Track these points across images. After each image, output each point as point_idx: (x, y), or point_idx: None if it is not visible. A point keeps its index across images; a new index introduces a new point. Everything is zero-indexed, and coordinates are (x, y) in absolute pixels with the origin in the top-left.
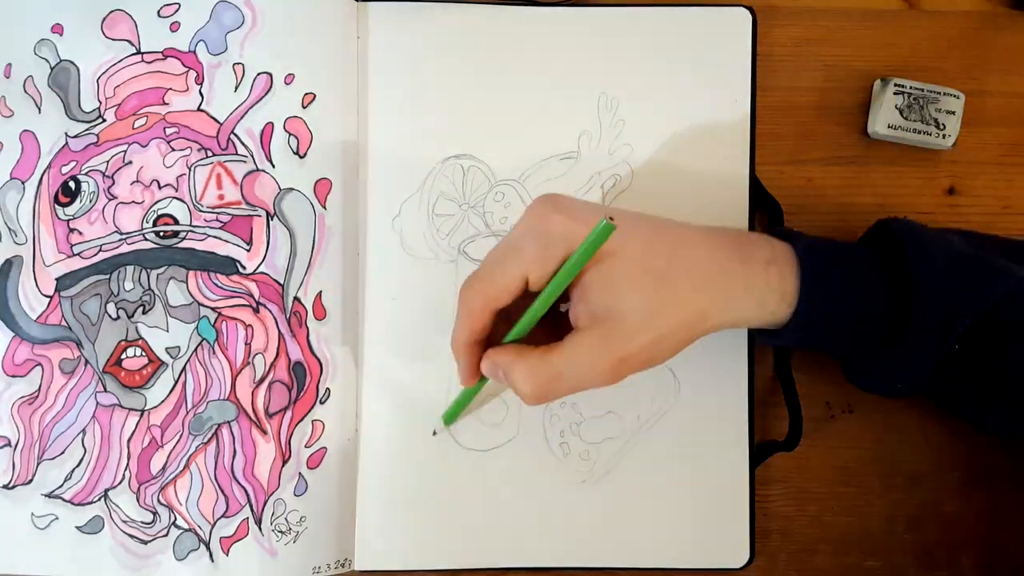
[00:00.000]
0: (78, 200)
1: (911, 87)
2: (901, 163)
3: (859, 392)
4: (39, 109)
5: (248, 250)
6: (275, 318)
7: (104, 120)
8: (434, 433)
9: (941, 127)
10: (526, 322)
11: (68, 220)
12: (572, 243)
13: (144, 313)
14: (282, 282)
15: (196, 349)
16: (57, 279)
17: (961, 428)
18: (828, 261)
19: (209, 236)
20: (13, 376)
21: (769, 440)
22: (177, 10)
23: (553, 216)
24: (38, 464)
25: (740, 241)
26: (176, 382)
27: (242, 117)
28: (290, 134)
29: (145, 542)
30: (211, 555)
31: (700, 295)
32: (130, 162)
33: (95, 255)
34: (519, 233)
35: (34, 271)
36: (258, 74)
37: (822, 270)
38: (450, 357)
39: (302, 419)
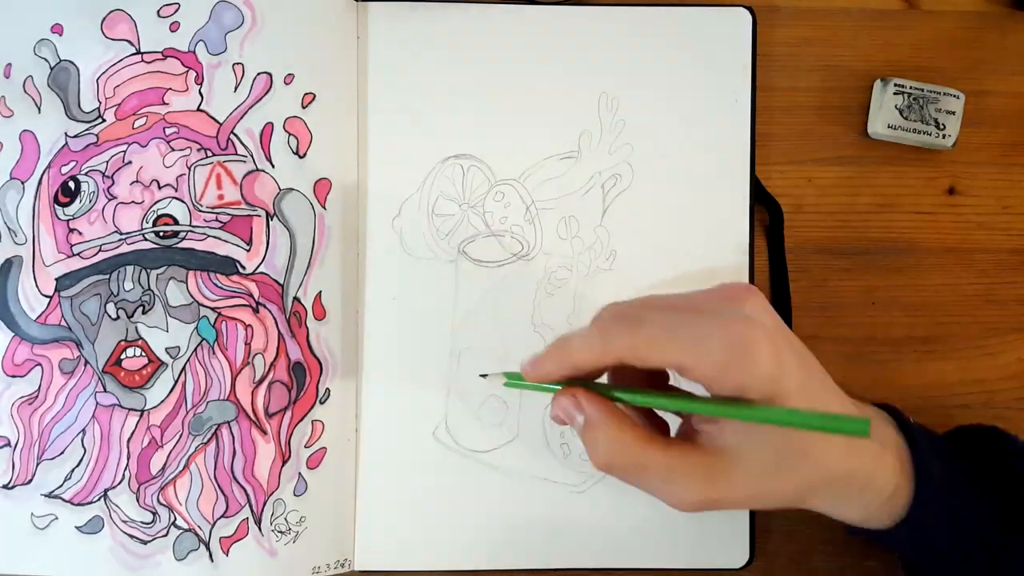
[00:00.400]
0: (78, 200)
1: (911, 87)
2: (901, 163)
3: (859, 393)
4: (39, 109)
5: (248, 250)
6: (275, 318)
7: (104, 120)
8: (483, 376)
9: (941, 127)
10: (635, 400)
11: (68, 220)
12: (765, 393)
13: (144, 313)
14: (282, 282)
15: (196, 349)
16: (57, 279)
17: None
18: (941, 467)
19: (209, 236)
20: (13, 376)
21: None
22: (177, 10)
23: (772, 351)
24: (38, 464)
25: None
26: (176, 382)
27: (242, 117)
28: (290, 134)
29: (145, 542)
30: (211, 555)
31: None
32: (130, 162)
33: (95, 255)
34: (679, 333)
35: (34, 271)
36: (258, 74)
37: (935, 473)
38: (449, 357)
39: (302, 419)
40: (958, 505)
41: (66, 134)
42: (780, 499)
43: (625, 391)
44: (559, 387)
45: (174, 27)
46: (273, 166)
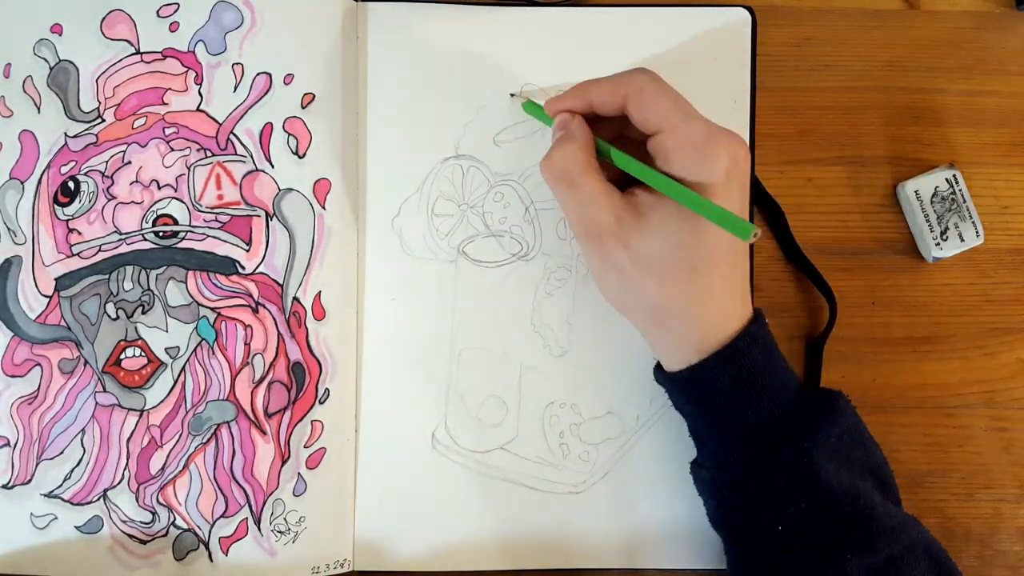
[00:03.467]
0: (77, 200)
1: (961, 190)
2: (901, 163)
3: (859, 392)
4: (38, 109)
5: (247, 250)
6: (274, 318)
7: (103, 120)
8: (512, 95)
9: (943, 238)
10: (603, 150)
11: (67, 220)
12: (687, 166)
13: (143, 313)
14: (281, 282)
15: (195, 349)
16: (56, 279)
17: (961, 428)
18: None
19: (208, 236)
20: (12, 376)
21: None
22: (176, 10)
23: (728, 144)
24: (37, 464)
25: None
26: (175, 382)
27: (241, 117)
28: (289, 134)
29: (144, 542)
30: (210, 555)
31: (712, 302)
32: (129, 162)
33: (94, 255)
34: (681, 106)
35: (33, 271)
36: (257, 74)
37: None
38: (449, 357)
39: (301, 419)
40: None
41: (66, 134)
42: (651, 277)
43: (606, 145)
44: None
45: (174, 27)
46: (273, 166)
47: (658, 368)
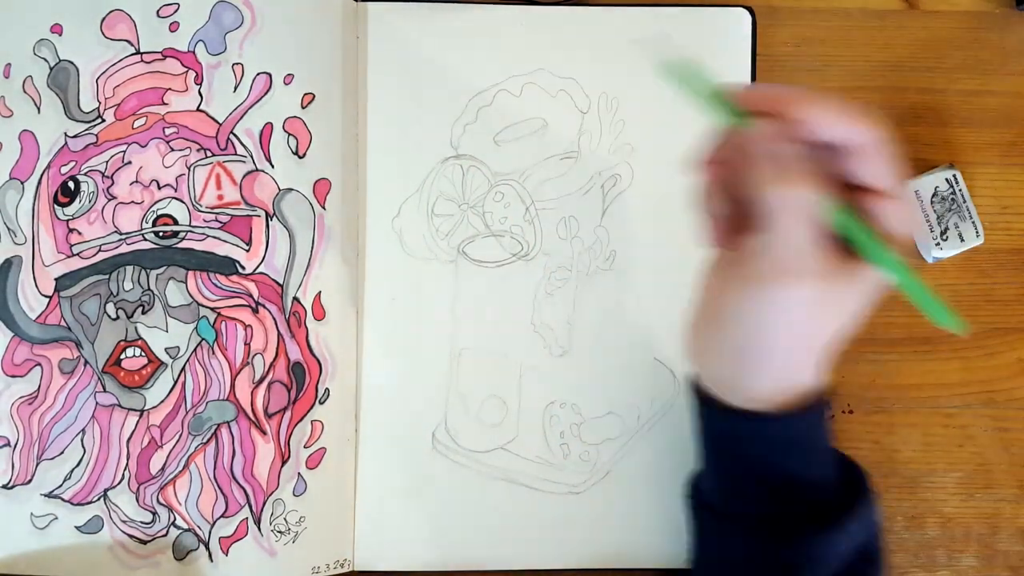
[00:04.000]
0: (77, 200)
1: (961, 190)
2: (901, 163)
3: (859, 393)
4: (38, 109)
5: (247, 250)
6: (274, 318)
7: (103, 120)
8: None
9: (942, 237)
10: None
11: (67, 220)
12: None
13: (143, 313)
14: (281, 282)
15: (195, 349)
16: (56, 279)
17: (961, 428)
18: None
19: (208, 236)
20: (13, 376)
21: None
22: (176, 10)
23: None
24: (37, 464)
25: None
26: (175, 382)
27: (241, 117)
28: (289, 134)
29: (144, 542)
30: (210, 555)
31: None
32: (129, 162)
33: (94, 255)
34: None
35: (33, 271)
36: (257, 74)
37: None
38: (449, 357)
39: (301, 419)
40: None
41: (66, 134)
42: (808, 340)
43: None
44: (738, 119)
45: (174, 27)
46: (273, 166)
47: (697, 391)
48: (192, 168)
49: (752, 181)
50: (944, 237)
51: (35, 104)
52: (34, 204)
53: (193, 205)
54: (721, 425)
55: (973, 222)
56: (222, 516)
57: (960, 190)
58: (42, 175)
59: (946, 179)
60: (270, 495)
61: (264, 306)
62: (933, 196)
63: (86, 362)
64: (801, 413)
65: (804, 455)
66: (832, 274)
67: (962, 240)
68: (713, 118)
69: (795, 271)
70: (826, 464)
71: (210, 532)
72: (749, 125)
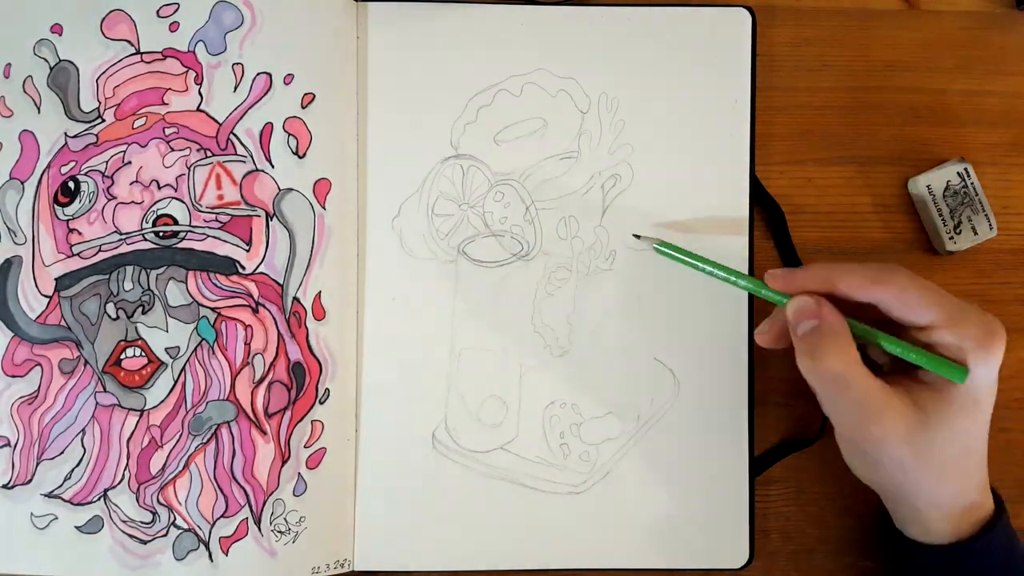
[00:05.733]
0: (77, 200)
1: (973, 183)
2: (901, 164)
3: None
4: (38, 109)
5: (247, 250)
6: (274, 318)
7: (103, 120)
8: (637, 236)
9: (956, 231)
10: (861, 333)
11: (67, 220)
12: (967, 357)
13: (143, 313)
14: (281, 282)
15: (195, 349)
16: (56, 279)
17: (983, 463)
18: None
19: (208, 236)
20: (13, 376)
21: (781, 443)
22: (176, 10)
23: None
24: (37, 464)
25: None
26: (175, 382)
27: (241, 117)
28: (289, 134)
29: (144, 542)
30: (210, 555)
31: (976, 480)
32: (129, 162)
33: (94, 255)
34: (948, 298)
35: (33, 271)
36: (257, 74)
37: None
38: (449, 357)
39: (301, 419)
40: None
41: (66, 134)
42: (932, 472)
43: (874, 331)
44: (738, 280)
45: (174, 27)
46: (273, 166)
47: (890, 529)
48: (192, 168)
49: (797, 356)
50: (958, 231)
51: (35, 104)
52: (34, 204)
53: (193, 205)
54: (903, 558)
55: (986, 215)
56: (222, 516)
57: (972, 183)
58: (42, 175)
59: (958, 173)
60: (270, 495)
61: (264, 306)
62: (945, 190)
63: (86, 362)
64: (972, 538)
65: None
66: (916, 402)
67: (975, 233)
68: (757, 294)
69: (866, 420)
70: None
71: (210, 532)
72: (785, 302)
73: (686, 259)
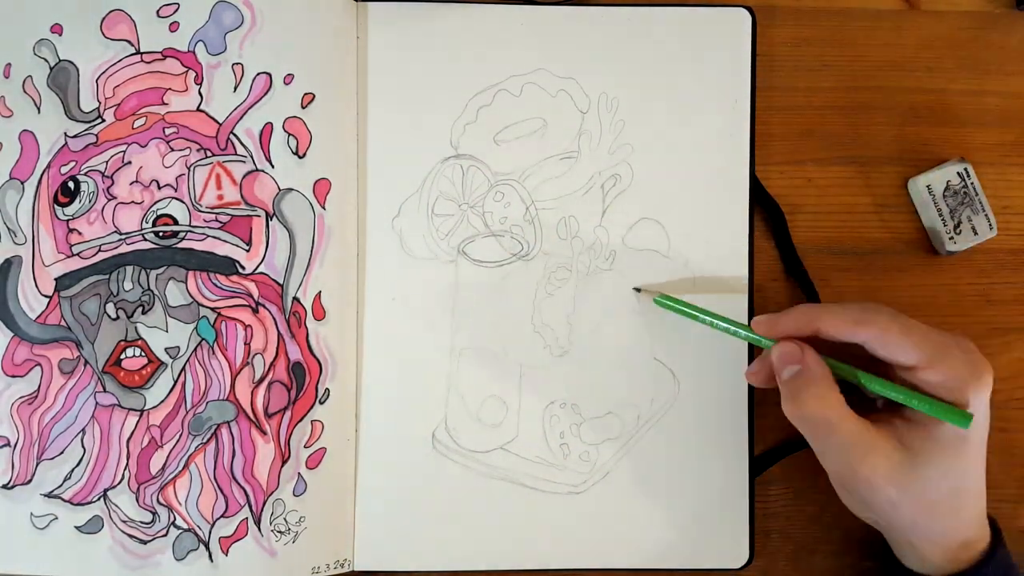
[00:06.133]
0: (77, 200)
1: (973, 183)
2: (901, 164)
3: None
4: (38, 109)
5: (247, 250)
6: (274, 318)
7: (103, 120)
8: (637, 290)
9: (956, 231)
10: (845, 375)
11: (67, 220)
12: (954, 396)
13: (143, 313)
14: (281, 282)
15: (195, 349)
16: (56, 279)
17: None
18: None
19: (208, 236)
20: (12, 376)
21: (782, 444)
22: (176, 10)
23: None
24: (37, 464)
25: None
26: (175, 382)
27: (241, 117)
28: (289, 134)
29: (144, 542)
30: (210, 555)
31: (970, 516)
32: (129, 162)
33: (94, 255)
34: (931, 338)
35: (33, 271)
36: (257, 74)
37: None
38: (449, 357)
39: (301, 419)
40: None
41: (66, 134)
42: (924, 510)
43: (854, 370)
44: (738, 330)
45: (174, 27)
46: (273, 166)
47: (890, 559)
48: (192, 168)
49: (782, 401)
50: (958, 231)
51: (35, 104)
52: (34, 204)
53: (193, 205)
54: None
55: (986, 215)
56: (222, 516)
57: (972, 183)
58: (42, 175)
59: (958, 173)
60: (270, 495)
61: (264, 306)
62: (945, 190)
63: (86, 362)
64: (966, 572)
65: None
66: (902, 442)
67: (975, 233)
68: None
69: (853, 462)
70: None
71: (210, 532)
72: (771, 345)
73: (686, 311)
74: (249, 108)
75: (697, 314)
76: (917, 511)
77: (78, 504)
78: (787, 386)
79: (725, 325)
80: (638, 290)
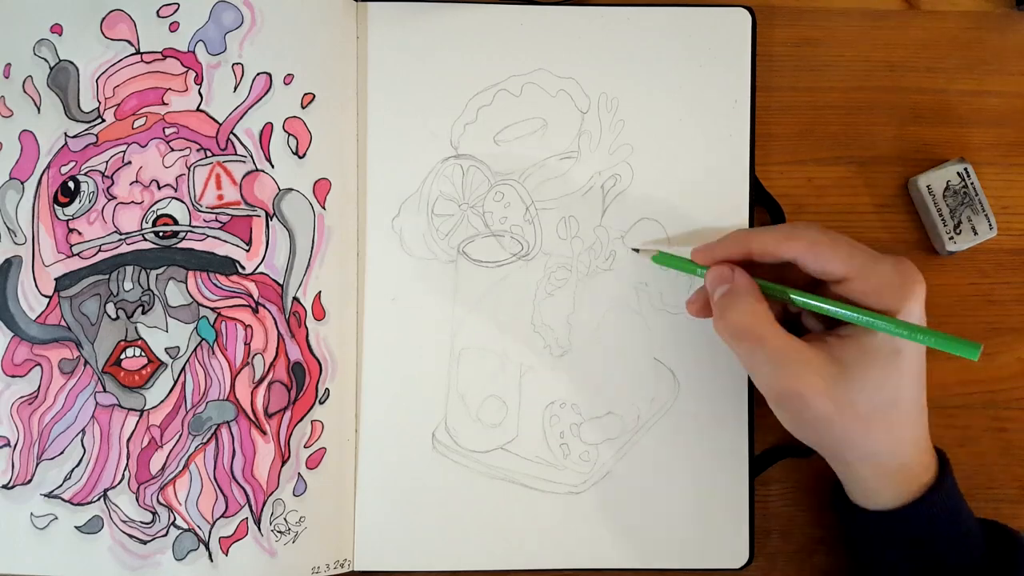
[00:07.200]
0: (77, 200)
1: (973, 183)
2: (901, 164)
3: None
4: (38, 109)
5: (247, 250)
6: (274, 318)
7: (103, 120)
8: (636, 250)
9: (956, 231)
10: (776, 292)
11: (67, 220)
12: (886, 305)
13: (143, 313)
14: (281, 282)
15: (195, 349)
16: (56, 279)
17: (961, 429)
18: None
19: (208, 236)
20: (12, 376)
21: (780, 446)
22: (176, 10)
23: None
24: (37, 464)
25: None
26: (175, 382)
27: (241, 117)
28: (289, 134)
29: (144, 542)
30: (210, 555)
31: (907, 435)
32: (129, 162)
33: (94, 255)
34: (860, 249)
35: (33, 271)
36: (257, 74)
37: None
38: (449, 357)
39: (301, 419)
40: (951, 520)
41: (66, 134)
42: (858, 425)
43: (781, 288)
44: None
45: (174, 27)
46: (273, 166)
47: (841, 498)
48: (192, 168)
49: (714, 321)
50: (958, 231)
51: (35, 104)
52: (34, 204)
53: (193, 205)
54: (853, 526)
55: (986, 215)
56: (222, 516)
57: (972, 183)
58: (42, 175)
59: (957, 173)
60: (270, 495)
61: (264, 306)
62: (945, 190)
63: (86, 362)
64: (912, 503)
65: (932, 545)
66: (833, 356)
67: (975, 233)
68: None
69: (783, 376)
70: (967, 545)
71: (210, 532)
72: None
73: (685, 266)
74: (249, 108)
75: (697, 268)
76: (851, 426)
77: (78, 504)
78: (717, 305)
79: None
80: (636, 250)
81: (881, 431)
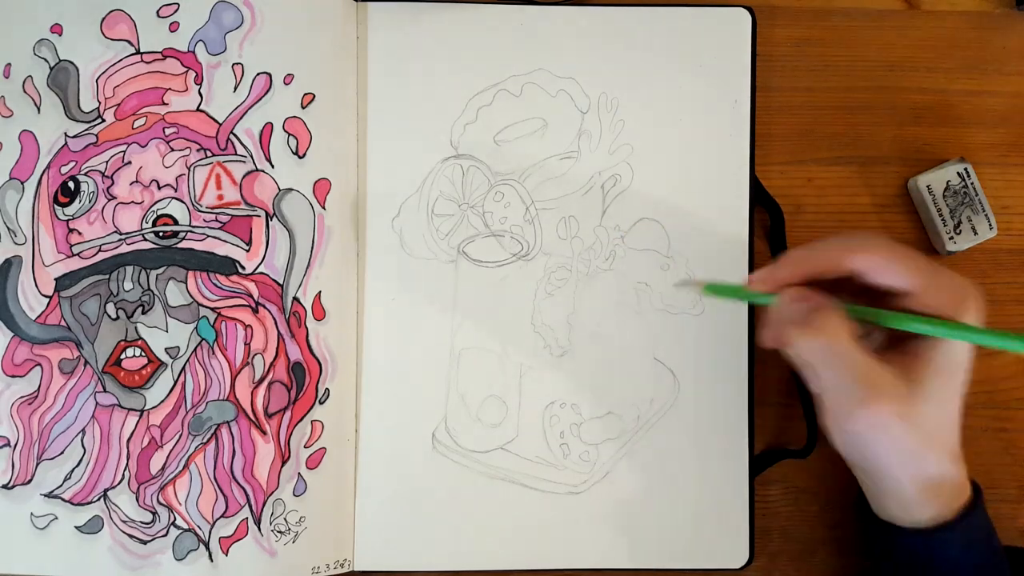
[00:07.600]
0: (77, 200)
1: (972, 183)
2: (900, 164)
3: None
4: (38, 109)
5: (247, 250)
6: (274, 318)
7: (103, 120)
8: (681, 283)
9: (956, 231)
10: (859, 314)
11: (67, 220)
12: (948, 317)
13: (143, 313)
14: (281, 282)
15: (195, 349)
16: (56, 279)
17: (962, 429)
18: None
19: (208, 236)
20: (12, 376)
21: (779, 446)
22: (176, 10)
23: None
24: (37, 464)
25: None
26: (175, 382)
27: (241, 117)
28: (289, 134)
29: (144, 542)
30: (210, 555)
31: (956, 451)
32: (129, 162)
33: (94, 255)
34: (926, 260)
35: (33, 271)
36: (257, 74)
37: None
38: (449, 357)
39: (301, 419)
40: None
41: (66, 134)
42: (923, 442)
43: (862, 308)
44: (767, 298)
45: (174, 27)
46: (273, 166)
47: (865, 511)
48: (192, 168)
49: (788, 346)
50: (958, 231)
51: (35, 104)
52: (34, 204)
53: (193, 205)
54: (884, 544)
55: (986, 215)
56: (222, 516)
57: (972, 183)
58: (42, 175)
59: (958, 173)
60: (270, 495)
61: (264, 306)
62: (945, 190)
63: (86, 362)
64: (952, 523)
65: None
66: (903, 373)
67: (975, 233)
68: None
69: (863, 396)
70: (1001, 569)
71: (210, 532)
72: (774, 300)
73: (738, 294)
74: (249, 108)
75: (759, 296)
76: (915, 444)
77: (78, 504)
78: (798, 322)
79: (754, 295)
80: (683, 285)
81: (940, 448)
